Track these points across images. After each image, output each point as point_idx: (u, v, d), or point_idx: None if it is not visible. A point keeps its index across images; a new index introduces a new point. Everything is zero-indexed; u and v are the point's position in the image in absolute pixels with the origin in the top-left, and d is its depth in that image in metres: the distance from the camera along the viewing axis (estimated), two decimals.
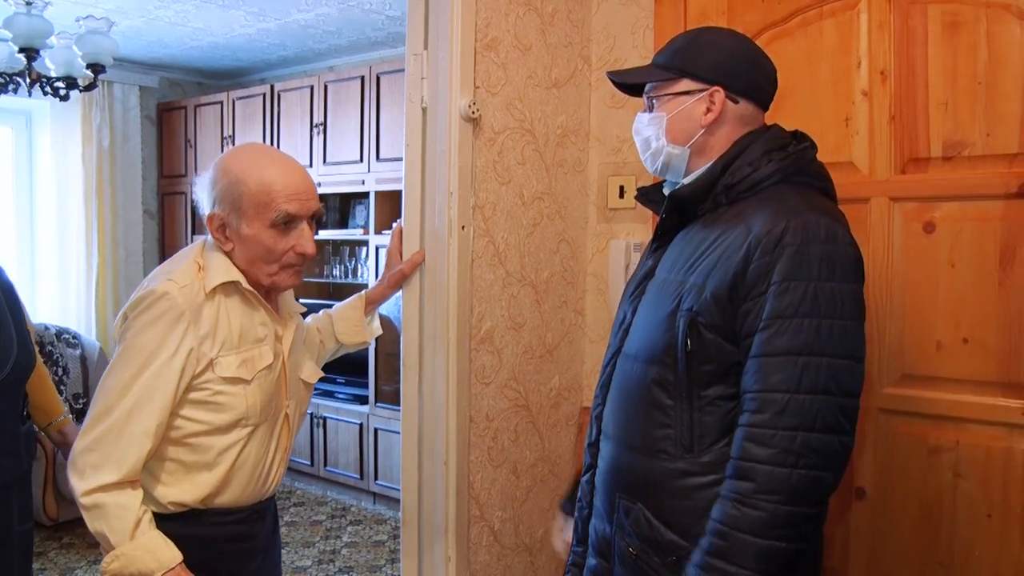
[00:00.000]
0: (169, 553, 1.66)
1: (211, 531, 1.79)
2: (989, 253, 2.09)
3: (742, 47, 1.68)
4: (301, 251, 1.81)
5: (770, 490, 1.41)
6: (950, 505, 2.16)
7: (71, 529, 4.78)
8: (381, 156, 5.26)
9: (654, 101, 1.71)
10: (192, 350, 1.71)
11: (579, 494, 1.85)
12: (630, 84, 1.79)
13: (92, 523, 1.65)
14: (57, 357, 5.40)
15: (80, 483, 1.64)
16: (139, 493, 1.68)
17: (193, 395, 1.75)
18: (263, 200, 1.75)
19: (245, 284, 1.80)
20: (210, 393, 1.76)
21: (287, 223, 1.77)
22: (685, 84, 1.66)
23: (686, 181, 1.68)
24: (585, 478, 1.82)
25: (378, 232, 5.28)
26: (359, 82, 5.37)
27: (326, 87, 5.55)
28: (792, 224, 1.47)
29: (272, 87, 5.89)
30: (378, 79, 5.26)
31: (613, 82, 1.81)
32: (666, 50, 1.73)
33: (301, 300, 2.11)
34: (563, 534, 1.97)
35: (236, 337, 1.79)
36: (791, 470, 1.41)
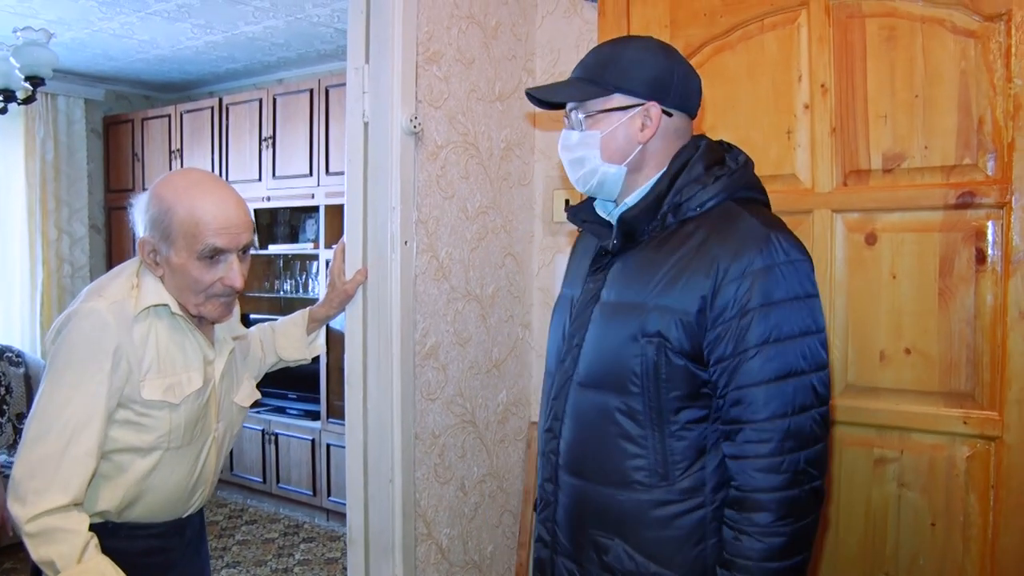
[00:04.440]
0: None
1: (125, 544, 1.77)
2: (929, 264, 2.11)
3: (670, 60, 1.61)
4: (228, 283, 1.78)
5: (786, 514, 1.44)
6: (895, 514, 2.17)
7: (13, 554, 4.65)
8: (331, 169, 5.21)
9: (582, 118, 1.62)
10: (123, 367, 1.69)
11: (537, 532, 1.78)
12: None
13: (37, 550, 1.58)
14: (0, 376, 5.27)
15: (23, 510, 1.58)
16: (85, 517, 1.64)
17: (119, 414, 1.72)
18: (191, 231, 1.72)
19: (175, 308, 1.78)
20: (134, 414, 1.73)
21: (213, 256, 1.75)
22: (618, 100, 1.59)
23: (629, 201, 1.64)
24: (543, 515, 1.75)
25: (328, 246, 5.22)
26: (308, 95, 5.31)
27: (275, 100, 5.49)
28: (756, 246, 1.47)
29: (220, 100, 5.82)
30: (327, 92, 5.22)
31: (531, 98, 1.69)
32: (590, 63, 1.64)
33: (251, 315, 2.08)
34: None
35: (163, 361, 1.77)
36: (799, 490, 1.44)
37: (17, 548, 4.66)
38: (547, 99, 1.66)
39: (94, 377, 1.66)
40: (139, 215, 1.80)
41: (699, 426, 1.52)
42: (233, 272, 1.78)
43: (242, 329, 2.06)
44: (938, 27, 2.06)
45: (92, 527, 1.67)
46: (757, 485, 1.45)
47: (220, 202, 1.76)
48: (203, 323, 1.88)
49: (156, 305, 1.76)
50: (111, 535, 1.74)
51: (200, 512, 2.01)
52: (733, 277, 1.46)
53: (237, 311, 2.01)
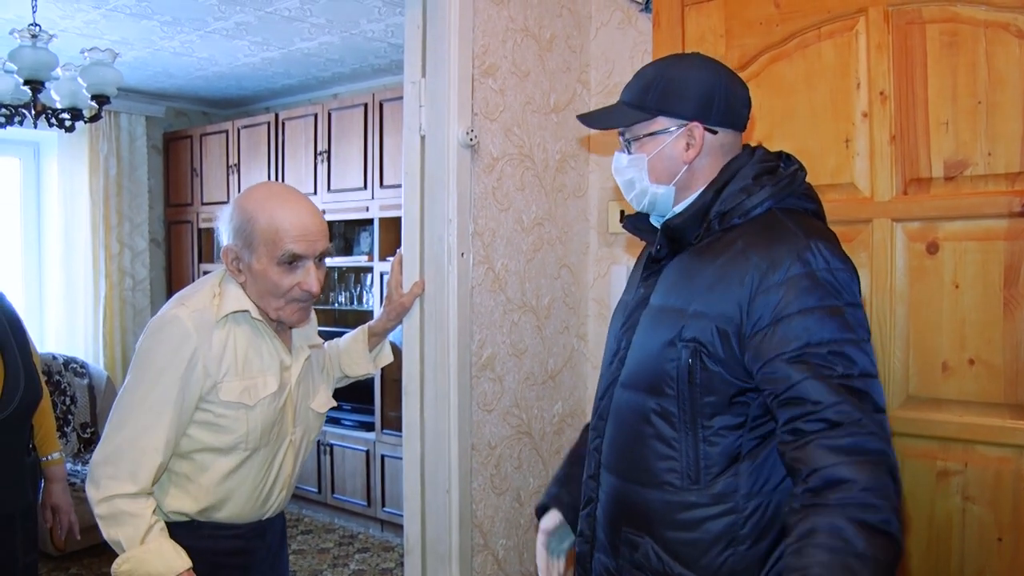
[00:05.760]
0: (179, 560, 1.74)
1: (207, 543, 1.87)
2: (993, 273, 2.07)
3: (714, 77, 1.62)
4: (306, 288, 1.88)
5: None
6: (959, 529, 2.13)
7: (78, 560, 4.76)
8: (385, 183, 5.27)
9: (631, 142, 1.67)
10: (200, 370, 1.80)
11: (580, 527, 1.81)
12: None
13: (107, 531, 1.73)
14: (65, 387, 5.40)
15: (96, 492, 1.74)
16: (152, 503, 1.77)
17: (199, 415, 1.83)
18: (271, 238, 1.83)
19: (255, 314, 1.89)
20: (213, 415, 1.84)
21: (292, 262, 1.85)
22: (661, 122, 1.62)
23: (677, 210, 1.66)
24: (585, 511, 1.78)
25: (383, 258, 5.28)
26: (362, 109, 5.38)
27: (330, 115, 5.57)
28: (795, 254, 1.46)
29: (276, 115, 5.91)
30: (381, 106, 5.28)
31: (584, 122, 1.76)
32: (635, 87, 1.68)
33: None
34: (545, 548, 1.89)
35: (241, 364, 1.87)
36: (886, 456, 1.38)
37: (83, 554, 4.77)
38: (594, 126, 1.75)
39: (168, 378, 1.78)
40: (223, 225, 1.91)
41: (733, 433, 1.52)
42: (310, 277, 1.88)
43: (318, 339, 2.15)
44: (1002, 31, 2.03)
45: (177, 525, 1.81)
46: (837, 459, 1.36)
47: (299, 212, 1.87)
48: (281, 330, 1.98)
49: (236, 311, 1.87)
50: (194, 533, 1.84)
51: (281, 517, 2.12)
52: (770, 285, 1.46)
53: (314, 320, 2.11)
